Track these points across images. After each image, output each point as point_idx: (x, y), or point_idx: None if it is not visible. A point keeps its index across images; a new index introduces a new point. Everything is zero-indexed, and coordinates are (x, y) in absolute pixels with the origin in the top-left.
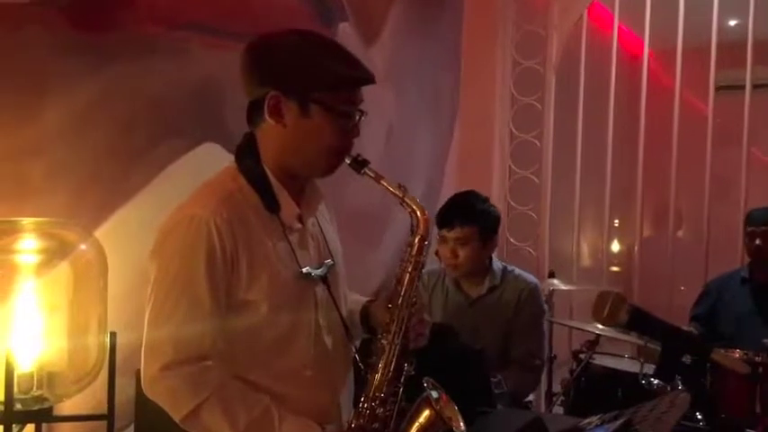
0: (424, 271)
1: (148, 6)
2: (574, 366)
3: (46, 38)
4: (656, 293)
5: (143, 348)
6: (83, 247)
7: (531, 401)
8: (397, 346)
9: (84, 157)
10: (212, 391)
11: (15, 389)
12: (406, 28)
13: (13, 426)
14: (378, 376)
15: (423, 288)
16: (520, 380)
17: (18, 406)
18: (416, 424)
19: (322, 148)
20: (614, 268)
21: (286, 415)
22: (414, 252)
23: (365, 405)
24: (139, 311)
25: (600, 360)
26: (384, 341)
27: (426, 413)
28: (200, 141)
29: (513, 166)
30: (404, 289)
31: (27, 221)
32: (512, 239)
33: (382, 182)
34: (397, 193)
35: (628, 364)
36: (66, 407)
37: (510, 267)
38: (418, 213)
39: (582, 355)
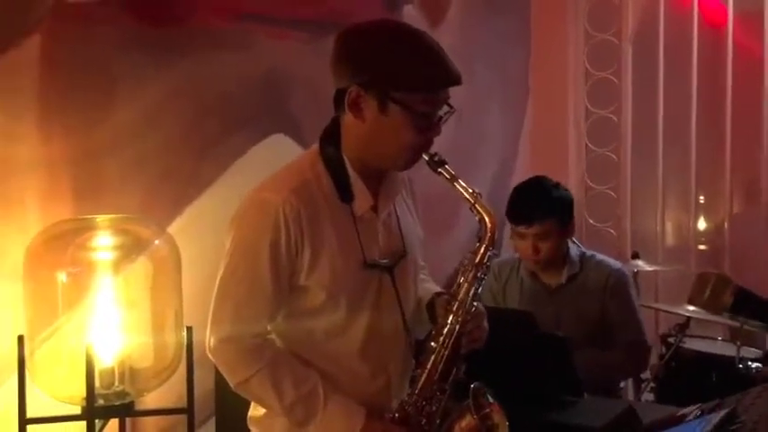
0: (495, 261)
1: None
2: (663, 351)
3: (114, 35)
4: (748, 273)
5: (209, 317)
6: (157, 242)
7: (621, 388)
8: (447, 350)
9: (155, 153)
10: (264, 366)
11: (97, 384)
12: (472, 6)
13: (96, 421)
14: (428, 375)
15: (495, 280)
16: (625, 366)
17: (100, 401)
18: (456, 428)
19: (399, 145)
20: (702, 247)
21: (332, 395)
22: (477, 260)
23: (410, 399)
24: None
25: (691, 344)
26: (433, 343)
27: (467, 419)
28: (267, 133)
29: (589, 144)
30: (462, 295)
31: (102, 218)
32: (591, 220)
33: (456, 183)
34: (469, 198)
35: (722, 348)
36: (146, 401)
37: (589, 253)
38: (487, 222)
39: (671, 339)
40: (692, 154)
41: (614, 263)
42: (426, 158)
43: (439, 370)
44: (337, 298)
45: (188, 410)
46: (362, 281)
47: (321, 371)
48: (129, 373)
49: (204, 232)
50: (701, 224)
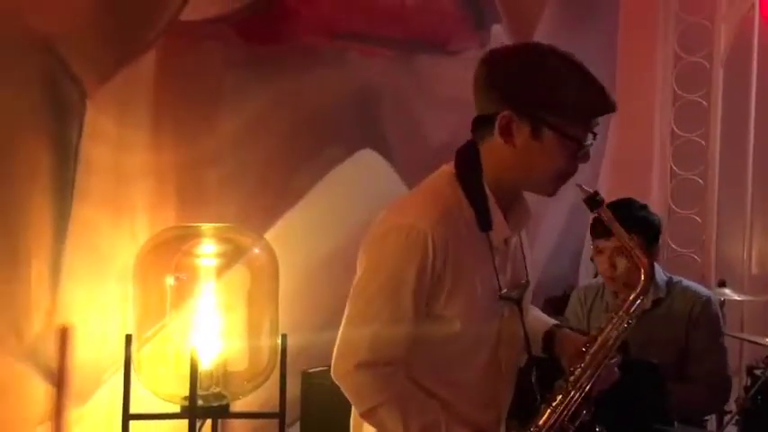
0: (581, 286)
1: (312, 18)
2: (748, 383)
3: (221, 52)
4: None
5: (339, 340)
6: (256, 250)
7: (705, 420)
8: (582, 393)
9: (253, 164)
10: (394, 395)
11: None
12: (560, 25)
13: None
14: (552, 413)
15: (580, 305)
16: (703, 399)
17: (199, 402)
18: None
19: (549, 171)
20: None
21: (453, 426)
22: (626, 308)
23: None
24: (306, 314)
25: None
26: (569, 385)
27: None
28: (357, 148)
29: (674, 168)
30: (603, 340)
31: (206, 227)
32: (673, 245)
33: (614, 225)
34: (629, 243)
35: None
36: (237, 405)
37: (676, 278)
38: (642, 270)
39: (757, 371)
40: None
41: (703, 290)
42: (584, 197)
43: (570, 412)
44: (469, 328)
45: (280, 415)
46: (491, 311)
47: (440, 400)
48: (226, 376)
49: (297, 242)
50: None
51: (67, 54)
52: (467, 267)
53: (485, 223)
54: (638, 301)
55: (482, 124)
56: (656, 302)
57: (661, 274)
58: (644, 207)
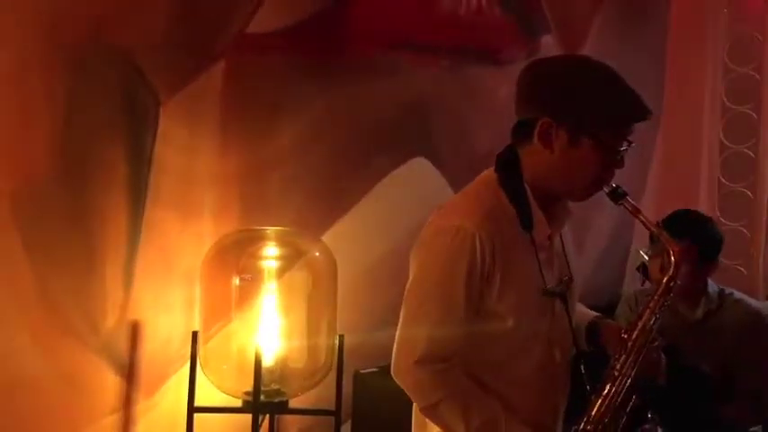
0: (632, 291)
1: (367, 29)
2: None
3: (282, 63)
4: None
5: (397, 339)
6: (316, 254)
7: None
8: (629, 379)
9: (311, 171)
10: (454, 390)
11: None
12: (609, 36)
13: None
14: (603, 402)
15: (631, 310)
16: (748, 413)
17: (261, 397)
18: None
19: (586, 177)
20: None
21: (512, 423)
22: (660, 291)
23: (587, 427)
24: (362, 315)
25: None
26: (615, 371)
27: None
28: (410, 155)
29: (722, 179)
30: (643, 325)
31: (270, 230)
32: (721, 258)
33: (639, 215)
34: (654, 229)
35: None
36: (294, 402)
37: (728, 290)
38: (672, 253)
39: None
40: None
41: (756, 303)
42: (607, 191)
43: (619, 398)
44: (521, 324)
45: (336, 413)
46: (541, 307)
47: (498, 396)
48: (285, 373)
49: (352, 245)
50: None
51: (144, 65)
52: (514, 264)
53: (527, 222)
54: (672, 283)
55: (522, 130)
56: (708, 314)
57: (713, 286)
58: (708, 219)
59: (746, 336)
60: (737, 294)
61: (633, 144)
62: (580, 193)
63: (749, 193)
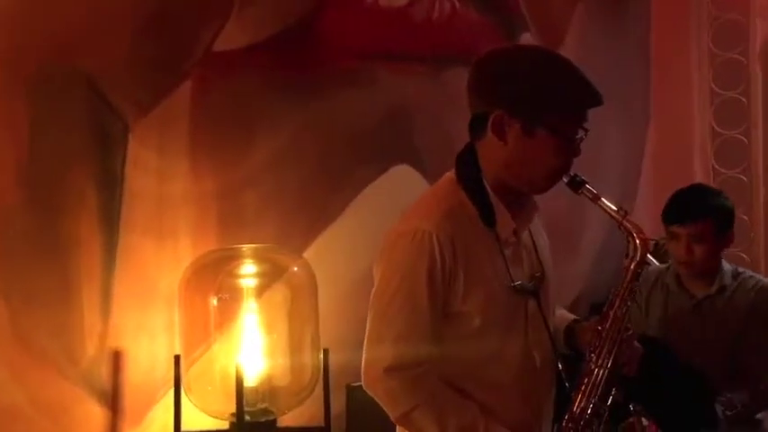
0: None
1: (342, 41)
2: None
3: (255, 79)
4: None
5: (365, 349)
6: (295, 269)
7: (760, 420)
8: (606, 371)
9: (290, 186)
10: (427, 397)
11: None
12: (590, 29)
13: None
14: (582, 398)
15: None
16: (757, 397)
17: (247, 418)
18: None
19: (542, 167)
20: None
21: (492, 425)
22: (628, 278)
23: (568, 425)
24: (350, 329)
25: None
26: (592, 364)
27: None
28: (391, 164)
29: (716, 166)
30: (614, 314)
31: (247, 248)
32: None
33: (600, 202)
34: (616, 215)
35: None
36: (285, 420)
37: (741, 269)
38: (636, 238)
39: None
40: None
41: (766, 279)
42: (566, 180)
43: (598, 392)
44: (491, 323)
45: (325, 429)
46: (512, 305)
47: (476, 399)
48: (271, 392)
49: (336, 259)
50: None
51: (108, 90)
52: (478, 262)
53: (488, 218)
54: (639, 270)
55: (477, 125)
56: (721, 290)
57: (726, 264)
58: (718, 192)
59: (757, 312)
60: (751, 272)
61: (588, 131)
62: (539, 185)
63: (744, 178)
